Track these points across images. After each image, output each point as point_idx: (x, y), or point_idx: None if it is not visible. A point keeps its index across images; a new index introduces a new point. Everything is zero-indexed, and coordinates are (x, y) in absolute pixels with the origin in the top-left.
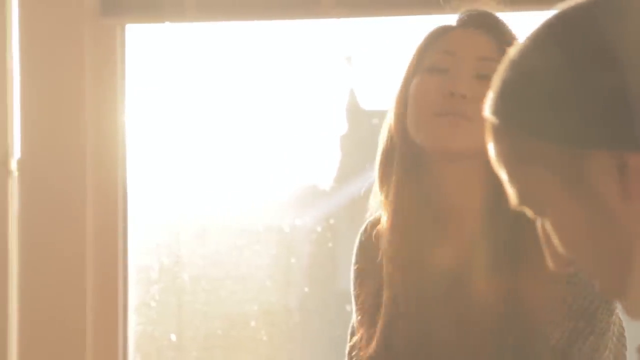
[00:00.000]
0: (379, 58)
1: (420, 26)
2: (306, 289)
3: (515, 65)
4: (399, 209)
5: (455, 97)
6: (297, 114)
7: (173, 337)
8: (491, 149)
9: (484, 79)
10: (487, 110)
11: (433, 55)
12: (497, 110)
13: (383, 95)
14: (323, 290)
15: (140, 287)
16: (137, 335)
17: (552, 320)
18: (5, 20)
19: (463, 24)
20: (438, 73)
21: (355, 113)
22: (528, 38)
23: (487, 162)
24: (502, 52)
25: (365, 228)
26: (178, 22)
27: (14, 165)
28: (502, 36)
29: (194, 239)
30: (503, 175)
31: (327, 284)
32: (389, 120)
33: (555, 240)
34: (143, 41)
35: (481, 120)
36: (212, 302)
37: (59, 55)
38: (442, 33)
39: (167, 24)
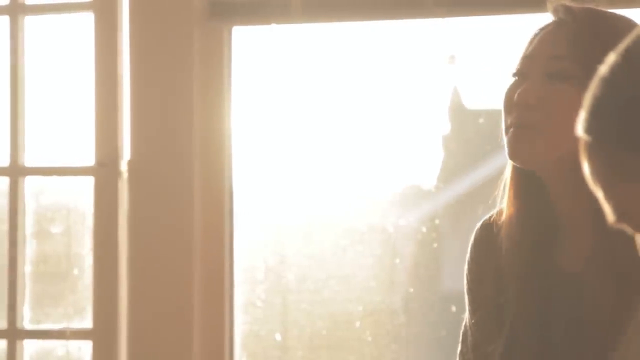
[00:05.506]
0: (483, 57)
1: (523, 24)
2: (411, 290)
3: (606, 81)
4: (514, 207)
5: (520, 105)
6: (400, 113)
7: (278, 337)
8: (585, 167)
9: (554, 78)
10: (580, 128)
11: (519, 61)
12: (590, 128)
13: (487, 94)
14: (428, 291)
15: (246, 287)
16: (243, 334)
17: None
18: (116, 23)
19: (552, 22)
20: (518, 79)
21: (459, 112)
22: (618, 53)
23: (578, 168)
24: (580, 47)
25: (482, 225)
26: (284, 24)
27: (124, 166)
28: (580, 32)
29: (298, 239)
30: (598, 193)
31: (432, 284)
32: None
33: None
34: (250, 43)
35: (548, 125)
36: (316, 302)
37: (167, 58)
38: (535, 36)
39: (274, 25)
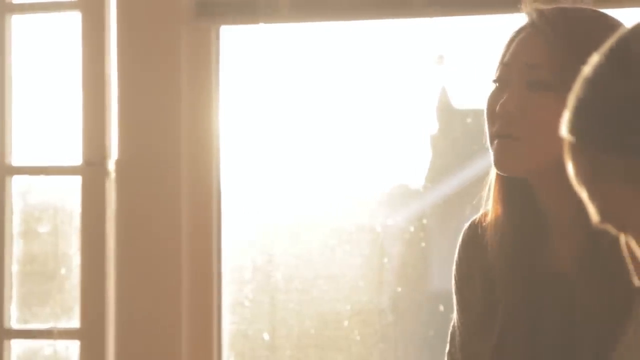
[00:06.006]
0: (471, 57)
1: (512, 24)
2: (399, 289)
3: (590, 82)
4: (500, 208)
5: (502, 116)
6: (388, 113)
7: (266, 336)
8: (570, 167)
9: (534, 87)
10: (564, 129)
11: (497, 67)
12: (574, 129)
13: (475, 94)
14: (416, 291)
15: (234, 287)
16: (230, 334)
17: None
18: (104, 22)
19: (528, 26)
20: (499, 86)
21: (447, 112)
22: (601, 54)
23: (563, 172)
24: (556, 56)
25: (470, 225)
26: (272, 23)
27: (111, 165)
28: (555, 40)
29: (286, 238)
30: (582, 193)
31: (420, 284)
32: None
33: None
34: (238, 42)
35: (531, 136)
36: (304, 301)
37: (155, 57)
38: (512, 40)
39: (261, 25)
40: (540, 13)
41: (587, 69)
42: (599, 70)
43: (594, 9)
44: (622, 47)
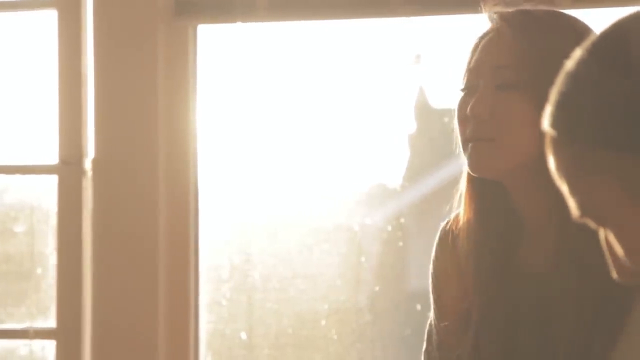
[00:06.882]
0: (449, 56)
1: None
2: (376, 288)
3: (572, 76)
4: (473, 212)
5: (474, 119)
6: (366, 112)
7: (243, 336)
8: (551, 161)
9: (503, 89)
10: (546, 123)
11: (464, 74)
12: (556, 123)
13: (452, 93)
14: (393, 290)
15: (211, 286)
16: (208, 333)
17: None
18: (80, 21)
19: (490, 30)
20: (467, 92)
21: (425, 111)
22: (584, 49)
23: (536, 171)
24: (519, 55)
25: (446, 224)
26: (249, 22)
27: (88, 165)
28: (518, 40)
29: (264, 237)
30: (564, 187)
31: (398, 283)
32: None
33: (619, 251)
34: (215, 41)
35: (504, 136)
36: (282, 300)
37: (132, 56)
38: (476, 46)
39: (239, 24)
40: (502, 16)
41: (569, 64)
42: (582, 65)
43: (557, 10)
44: (604, 42)
